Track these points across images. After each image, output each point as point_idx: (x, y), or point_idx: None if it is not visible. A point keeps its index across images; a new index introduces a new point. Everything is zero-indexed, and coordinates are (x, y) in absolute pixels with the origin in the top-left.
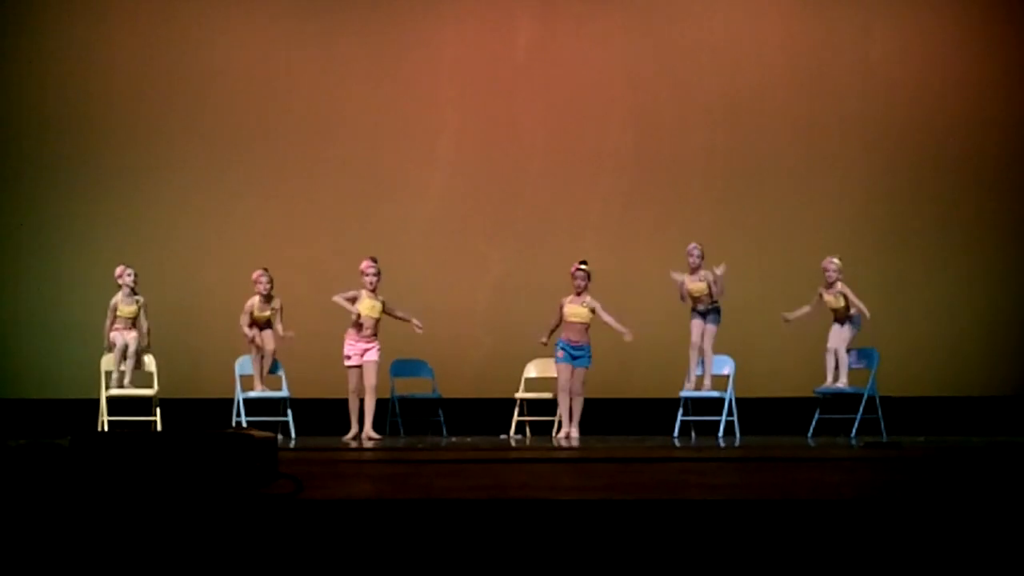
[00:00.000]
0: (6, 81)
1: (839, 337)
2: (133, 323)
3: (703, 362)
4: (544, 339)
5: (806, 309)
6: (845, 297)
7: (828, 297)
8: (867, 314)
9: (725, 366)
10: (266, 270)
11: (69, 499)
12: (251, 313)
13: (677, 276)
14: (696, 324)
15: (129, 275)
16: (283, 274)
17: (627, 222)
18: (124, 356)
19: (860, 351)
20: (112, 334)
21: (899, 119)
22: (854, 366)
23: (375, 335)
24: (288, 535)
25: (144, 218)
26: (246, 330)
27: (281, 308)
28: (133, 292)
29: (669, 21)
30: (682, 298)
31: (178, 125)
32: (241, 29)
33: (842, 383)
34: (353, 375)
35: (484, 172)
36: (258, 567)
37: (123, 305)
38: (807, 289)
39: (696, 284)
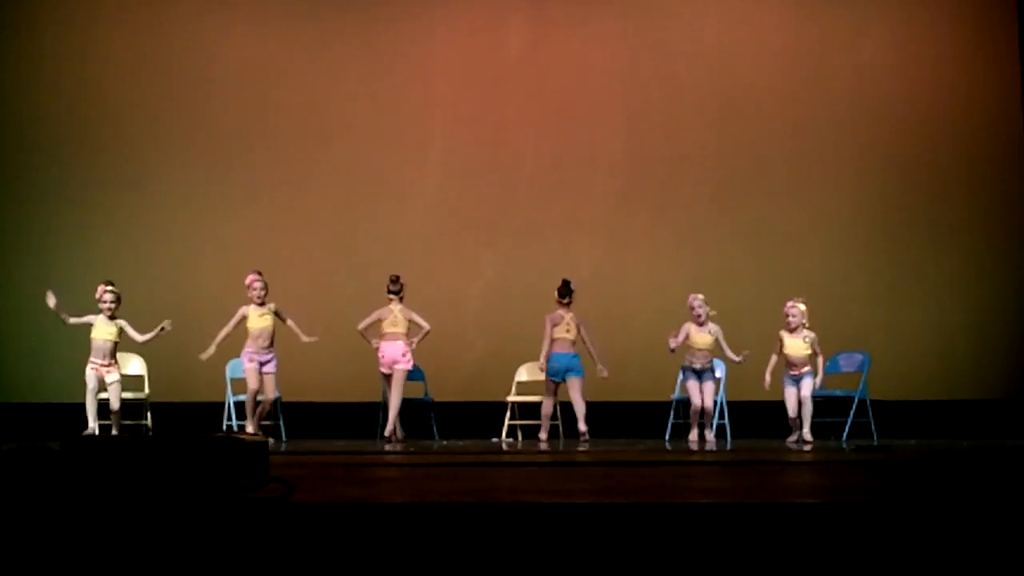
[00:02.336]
0: (1, 84)
1: (805, 390)
2: (113, 352)
3: (701, 424)
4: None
5: (774, 359)
6: (813, 346)
7: (791, 341)
8: (821, 372)
9: (716, 370)
10: (260, 274)
11: (59, 503)
12: (244, 323)
13: (675, 339)
14: (693, 385)
15: (110, 296)
16: (275, 276)
17: (619, 224)
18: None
19: (851, 355)
20: (88, 369)
21: (891, 122)
22: (845, 369)
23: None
24: (279, 539)
25: (135, 221)
26: (221, 333)
27: (279, 312)
28: (113, 316)
29: (661, 23)
30: (672, 350)
31: (171, 128)
32: (234, 33)
33: (806, 434)
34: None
35: (476, 174)
36: (249, 571)
37: (102, 326)
38: (797, 290)
39: (702, 336)
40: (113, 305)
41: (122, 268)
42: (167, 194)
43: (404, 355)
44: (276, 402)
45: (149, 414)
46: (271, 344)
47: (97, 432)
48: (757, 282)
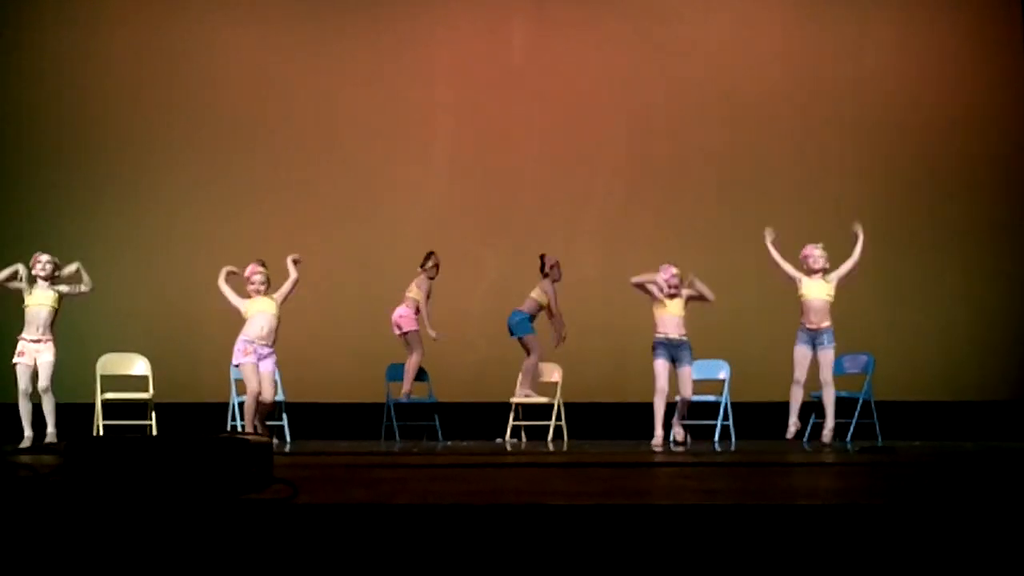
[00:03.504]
0: (3, 84)
1: (825, 363)
2: (50, 324)
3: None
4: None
5: (779, 260)
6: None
7: (813, 284)
8: (854, 264)
9: (720, 370)
10: (263, 265)
11: (64, 504)
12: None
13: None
14: (662, 365)
15: (46, 258)
16: (279, 278)
17: (622, 226)
18: (34, 384)
19: (855, 356)
20: (16, 359)
21: (894, 124)
22: (850, 371)
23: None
24: (283, 540)
25: (140, 221)
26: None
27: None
28: (51, 282)
29: (664, 26)
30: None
31: (174, 129)
32: (236, 35)
33: (829, 425)
34: None
35: (479, 176)
36: (253, 573)
37: (38, 292)
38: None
39: (674, 303)
40: (49, 267)
41: (125, 269)
42: (170, 196)
43: (401, 316)
44: (280, 404)
45: (153, 415)
46: (272, 340)
47: (31, 440)
48: (759, 284)
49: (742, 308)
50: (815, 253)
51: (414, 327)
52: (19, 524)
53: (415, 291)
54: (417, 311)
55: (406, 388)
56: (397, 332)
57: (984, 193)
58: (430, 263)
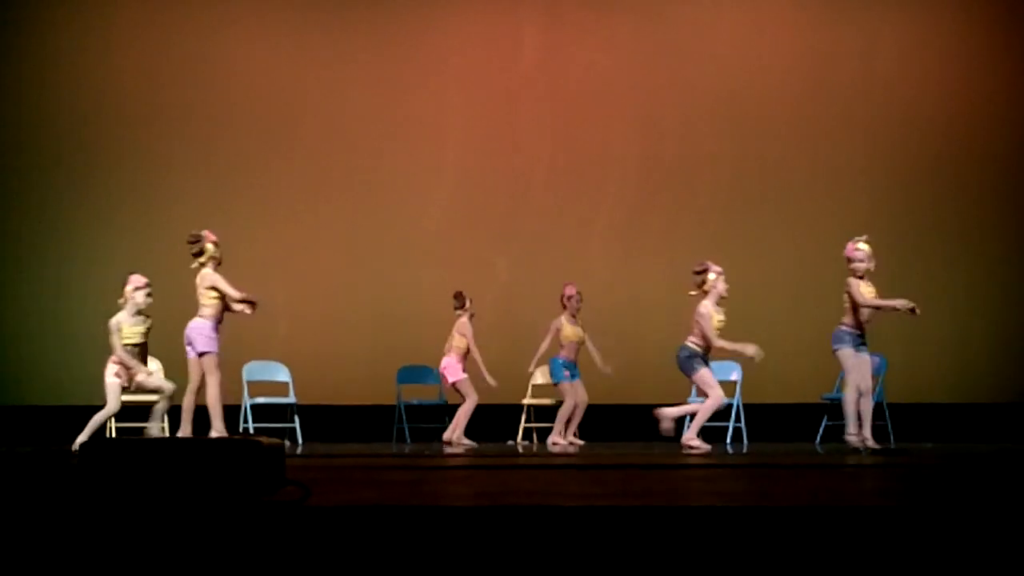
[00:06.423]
0: (14, 89)
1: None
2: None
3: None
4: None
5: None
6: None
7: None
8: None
9: (732, 372)
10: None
11: (77, 506)
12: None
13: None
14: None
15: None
16: (291, 283)
17: (633, 229)
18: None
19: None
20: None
21: (906, 127)
22: None
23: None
24: (295, 542)
25: (150, 225)
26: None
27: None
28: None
29: (675, 30)
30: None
31: (184, 135)
32: (246, 43)
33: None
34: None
35: (490, 180)
36: (266, 574)
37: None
38: (812, 294)
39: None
40: None
41: (133, 270)
42: (179, 198)
43: (445, 367)
44: (292, 406)
45: (166, 417)
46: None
47: None
48: (769, 286)
49: (753, 310)
50: (857, 255)
51: (460, 376)
52: (37, 522)
53: (457, 338)
54: (466, 356)
55: (453, 434)
56: (447, 384)
57: (996, 195)
58: (467, 303)
